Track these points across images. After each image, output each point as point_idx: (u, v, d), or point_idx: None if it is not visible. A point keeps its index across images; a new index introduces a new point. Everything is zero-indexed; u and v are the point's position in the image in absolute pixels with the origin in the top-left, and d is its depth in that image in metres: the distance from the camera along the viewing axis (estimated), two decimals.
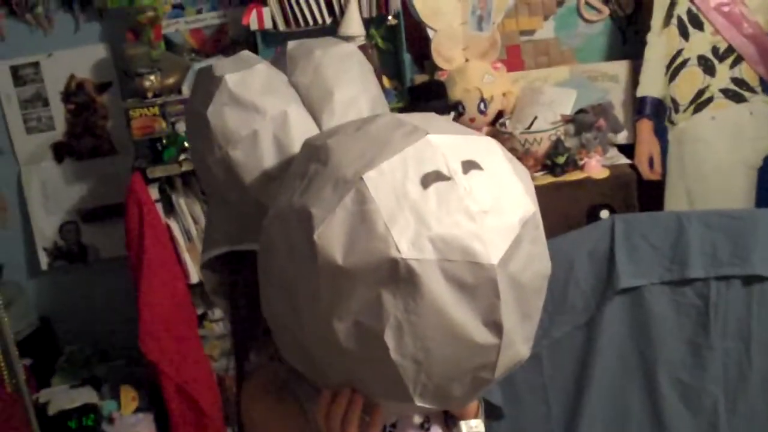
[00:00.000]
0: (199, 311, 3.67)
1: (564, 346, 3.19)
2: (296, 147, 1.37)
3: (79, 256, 3.97)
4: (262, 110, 1.39)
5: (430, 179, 1.18)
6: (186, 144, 3.39)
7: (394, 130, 1.24)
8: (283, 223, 1.23)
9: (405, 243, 1.14)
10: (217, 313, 3.68)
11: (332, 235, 1.16)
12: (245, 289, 1.47)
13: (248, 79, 1.43)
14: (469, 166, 1.21)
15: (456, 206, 1.17)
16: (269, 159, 1.39)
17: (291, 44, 1.53)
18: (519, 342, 1.26)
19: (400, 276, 1.14)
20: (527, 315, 1.27)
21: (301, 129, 1.40)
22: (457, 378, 1.25)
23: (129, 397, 3.63)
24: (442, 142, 1.21)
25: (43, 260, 3.96)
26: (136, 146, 3.66)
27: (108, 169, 3.88)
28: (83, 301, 3.99)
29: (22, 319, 3.79)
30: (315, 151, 1.26)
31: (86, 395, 3.67)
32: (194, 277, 3.56)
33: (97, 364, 3.89)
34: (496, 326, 1.20)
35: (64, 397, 3.67)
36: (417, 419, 1.58)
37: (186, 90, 3.53)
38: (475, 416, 1.63)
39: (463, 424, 1.60)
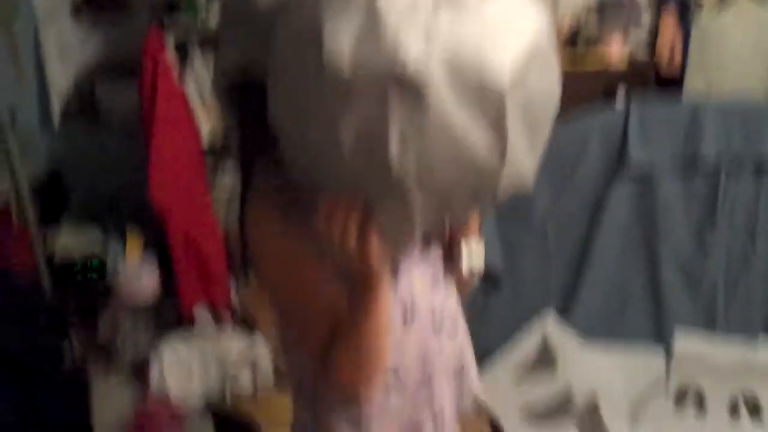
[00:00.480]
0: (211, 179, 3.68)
1: (571, 220, 3.21)
2: None
3: (93, 112, 3.92)
4: None
5: None
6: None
7: None
8: (291, 26, 1.22)
9: (413, 54, 1.12)
10: (227, 178, 3.69)
11: (341, 39, 1.15)
12: (258, 98, 1.41)
13: None
14: None
15: (469, 15, 1.17)
16: None
17: None
18: (524, 163, 1.26)
19: (406, 83, 1.13)
20: (533, 133, 1.26)
21: None
22: (457, 193, 1.25)
23: (134, 243, 3.62)
24: None
25: (56, 115, 3.93)
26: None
27: (126, 24, 3.81)
28: (94, 157, 3.95)
29: (33, 168, 3.78)
30: None
31: (92, 240, 3.69)
32: (206, 140, 3.57)
33: (105, 212, 3.84)
34: (500, 144, 1.19)
35: (71, 239, 3.68)
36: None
37: None
38: (476, 233, 1.65)
39: (463, 246, 1.62)
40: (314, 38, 1.16)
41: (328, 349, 1.43)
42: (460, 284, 1.70)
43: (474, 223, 1.61)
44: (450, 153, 1.18)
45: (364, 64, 1.13)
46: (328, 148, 1.20)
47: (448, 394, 1.70)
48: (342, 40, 1.14)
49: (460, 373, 1.73)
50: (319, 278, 1.44)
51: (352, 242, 1.27)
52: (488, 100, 1.16)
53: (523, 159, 1.24)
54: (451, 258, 1.65)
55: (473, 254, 1.61)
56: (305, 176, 1.32)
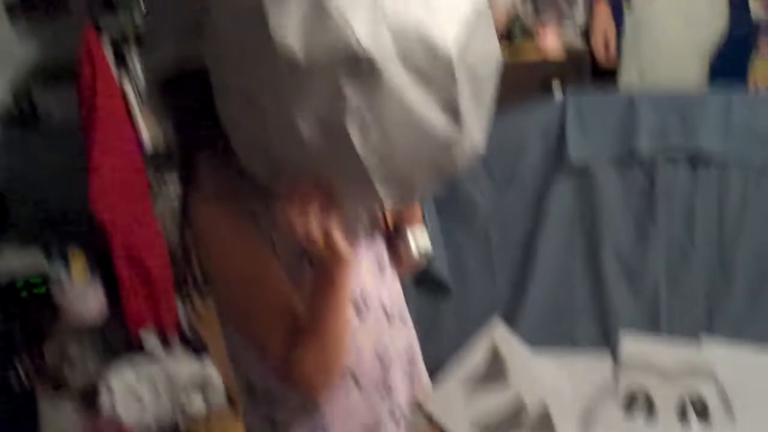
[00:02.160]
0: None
1: (513, 221, 3.24)
2: None
3: (32, 119, 3.90)
4: None
5: None
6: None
7: None
8: (234, 24, 1.22)
9: (364, 33, 1.15)
10: (170, 180, 3.67)
11: (289, 30, 1.16)
12: (195, 90, 1.43)
13: None
14: None
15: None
16: None
17: None
18: (476, 132, 1.31)
19: (360, 66, 1.16)
20: (482, 103, 1.31)
21: None
22: (418, 167, 1.29)
23: (77, 261, 3.62)
24: None
25: None
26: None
27: (62, 27, 3.78)
28: (36, 169, 3.94)
29: None
30: None
31: (35, 258, 3.66)
32: (148, 144, 3.54)
33: (48, 229, 3.85)
34: (454, 113, 1.24)
35: (13, 260, 3.66)
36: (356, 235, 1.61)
37: None
38: (420, 222, 1.68)
39: (408, 231, 1.65)
40: (259, 26, 1.18)
41: (288, 349, 1.44)
42: (405, 269, 1.75)
43: (417, 209, 1.66)
44: (409, 128, 1.23)
45: (315, 48, 1.16)
46: (287, 137, 1.23)
47: (404, 387, 1.74)
48: (289, 25, 1.16)
49: (411, 363, 1.77)
50: (275, 274, 1.47)
51: (315, 229, 1.30)
52: (438, 70, 1.21)
53: (475, 126, 1.31)
54: (394, 244, 1.70)
55: (419, 238, 1.68)
56: (261, 167, 1.34)
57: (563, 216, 3.20)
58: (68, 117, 3.75)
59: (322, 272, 1.40)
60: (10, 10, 3.78)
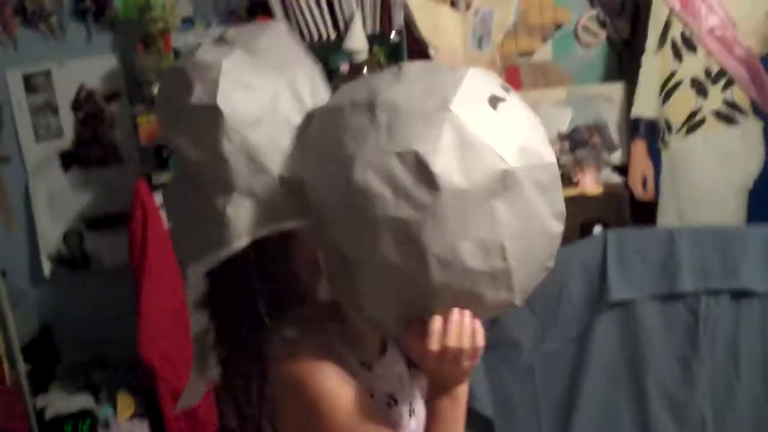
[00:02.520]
0: None
1: (556, 358, 3.26)
2: (298, 117, 1.44)
3: (82, 263, 4.02)
4: (266, 88, 1.43)
5: (493, 101, 1.34)
6: None
7: (436, 69, 1.40)
8: (383, 172, 1.29)
9: (508, 155, 1.29)
10: None
11: (447, 163, 1.27)
12: (276, 270, 1.50)
13: (239, 61, 1.45)
14: (506, 88, 1.39)
15: (519, 120, 1.35)
16: (284, 134, 1.43)
17: (230, 32, 1.54)
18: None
19: (507, 185, 1.29)
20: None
21: (295, 101, 1.46)
22: (536, 272, 1.40)
23: (126, 403, 3.66)
24: (480, 71, 1.39)
25: (47, 267, 4.01)
26: (141, 154, 3.74)
27: (114, 178, 3.93)
28: (84, 309, 4.03)
29: (23, 325, 3.81)
30: (369, 105, 1.34)
31: (83, 401, 3.71)
32: None
33: (96, 372, 3.92)
34: (561, 216, 1.39)
35: (61, 402, 3.71)
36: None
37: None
38: None
39: None
40: (413, 164, 1.28)
41: None
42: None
43: None
44: (538, 232, 1.35)
45: (472, 174, 1.28)
46: (447, 265, 1.31)
47: None
48: (444, 157, 1.28)
49: None
50: (382, 415, 1.52)
51: (467, 343, 1.37)
52: (550, 177, 1.35)
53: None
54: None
55: None
56: (399, 308, 1.39)
57: (607, 352, 3.22)
58: (117, 262, 3.88)
59: (442, 391, 1.46)
60: (64, 159, 3.93)
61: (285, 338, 1.51)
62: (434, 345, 1.36)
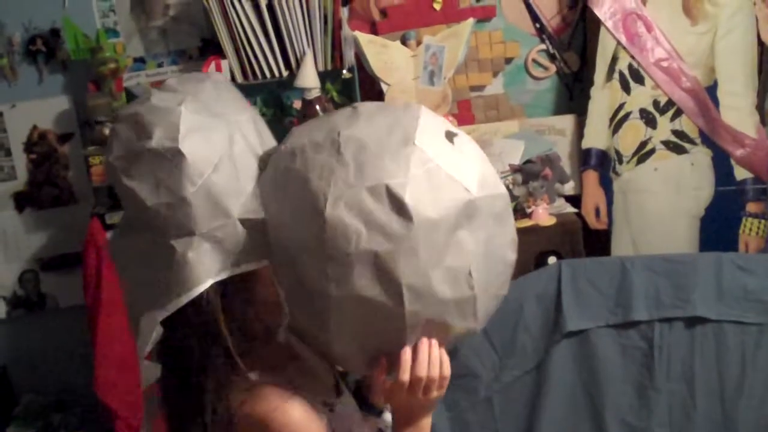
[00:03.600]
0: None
1: (514, 390, 3.27)
2: (259, 154, 1.50)
3: (38, 304, 4.00)
4: (223, 131, 1.46)
5: (450, 135, 1.43)
6: None
7: (390, 108, 1.47)
8: (353, 208, 1.33)
9: (472, 185, 1.36)
10: None
11: (418, 196, 1.33)
12: (240, 310, 1.51)
13: (197, 104, 1.48)
14: (452, 126, 1.49)
15: (476, 154, 1.45)
16: (246, 175, 1.46)
17: (171, 80, 1.57)
18: None
19: (472, 214, 1.36)
20: None
21: (253, 141, 1.51)
22: (496, 297, 1.48)
23: None
24: (428, 111, 1.47)
25: (2, 308, 3.98)
26: (95, 193, 3.71)
27: (68, 218, 3.92)
28: (41, 350, 4.01)
29: None
30: (331, 144, 1.39)
31: None
32: None
33: (54, 413, 3.89)
34: (515, 245, 1.49)
35: None
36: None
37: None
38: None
39: (387, 413, 1.71)
40: (385, 198, 1.33)
41: None
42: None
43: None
44: (496, 261, 1.43)
45: (441, 205, 1.34)
46: (422, 294, 1.36)
47: None
48: (416, 190, 1.33)
49: None
50: None
51: (435, 372, 1.43)
52: (505, 208, 1.45)
53: None
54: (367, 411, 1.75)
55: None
56: (368, 345, 1.43)
57: (564, 382, 3.23)
58: (74, 302, 3.87)
59: (408, 423, 1.51)
60: (18, 200, 3.90)
61: (247, 380, 1.52)
62: (405, 376, 1.40)
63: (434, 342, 1.41)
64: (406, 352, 1.40)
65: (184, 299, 1.45)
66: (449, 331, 1.42)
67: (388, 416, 1.71)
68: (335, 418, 1.57)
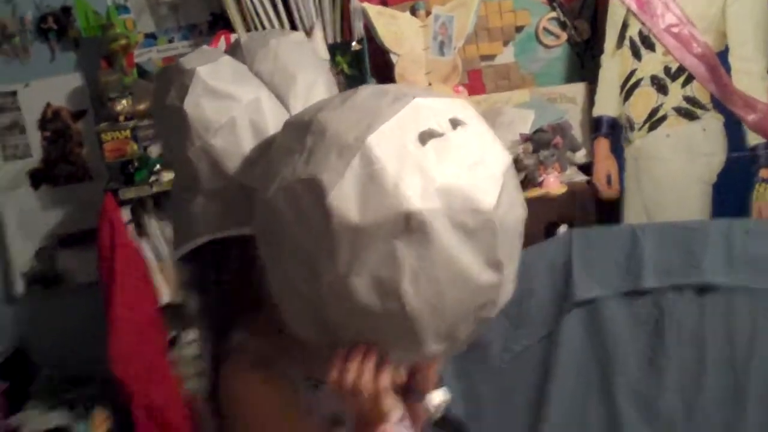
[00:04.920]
0: (171, 334, 3.74)
1: (525, 358, 3.27)
2: (271, 129, 1.48)
3: (55, 281, 4.04)
4: (237, 98, 1.49)
5: (426, 137, 1.30)
6: (157, 166, 3.51)
7: (381, 98, 1.36)
8: (289, 195, 1.31)
9: (415, 196, 1.25)
10: (190, 335, 3.74)
11: (345, 197, 1.25)
12: (228, 275, 1.55)
13: (218, 69, 1.52)
14: (455, 123, 1.33)
15: (452, 159, 1.30)
16: (248, 143, 1.48)
17: (243, 37, 1.64)
18: (510, 281, 1.41)
19: (412, 227, 1.25)
20: (513, 256, 1.40)
21: (273, 112, 1.50)
22: (464, 318, 1.36)
23: (101, 418, 3.67)
24: (429, 103, 1.34)
25: (19, 286, 4.03)
26: (108, 170, 3.75)
27: (83, 194, 3.96)
28: (59, 326, 4.05)
29: None
30: (306, 126, 1.35)
31: (59, 418, 3.71)
32: (165, 298, 3.63)
33: (71, 389, 3.93)
34: (496, 265, 1.32)
35: (37, 421, 3.71)
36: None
37: None
38: (437, 387, 1.72)
39: (429, 396, 1.69)
40: (317, 195, 1.27)
41: None
42: (420, 422, 1.78)
43: (433, 366, 1.69)
44: (457, 282, 1.30)
45: (370, 211, 1.25)
46: (342, 300, 1.30)
47: None
48: (345, 192, 1.26)
49: None
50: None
51: (367, 388, 1.36)
52: (481, 226, 1.29)
53: (510, 276, 1.39)
54: (409, 398, 1.71)
55: (435, 396, 1.69)
56: (313, 332, 1.40)
57: (575, 350, 3.23)
58: (89, 278, 3.89)
59: (361, 427, 1.45)
60: (33, 178, 3.95)
61: (233, 343, 1.55)
62: (332, 376, 1.37)
63: (372, 352, 1.36)
64: (339, 353, 1.37)
65: (185, 249, 1.53)
66: (387, 343, 1.36)
67: (430, 399, 1.71)
68: (319, 395, 1.56)
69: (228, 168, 1.47)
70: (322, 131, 1.32)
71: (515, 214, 1.38)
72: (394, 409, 1.46)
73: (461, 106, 1.39)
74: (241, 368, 1.54)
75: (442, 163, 1.28)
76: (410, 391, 1.71)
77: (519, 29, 3.93)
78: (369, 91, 1.39)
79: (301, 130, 1.36)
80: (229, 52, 1.61)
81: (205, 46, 1.66)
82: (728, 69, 3.59)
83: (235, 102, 1.48)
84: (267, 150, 1.44)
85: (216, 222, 1.50)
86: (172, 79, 1.52)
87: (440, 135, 1.30)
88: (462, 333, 1.37)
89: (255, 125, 1.48)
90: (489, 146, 1.36)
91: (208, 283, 1.60)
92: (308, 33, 3.63)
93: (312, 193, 1.27)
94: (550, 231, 3.48)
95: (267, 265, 1.39)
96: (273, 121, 1.48)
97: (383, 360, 1.37)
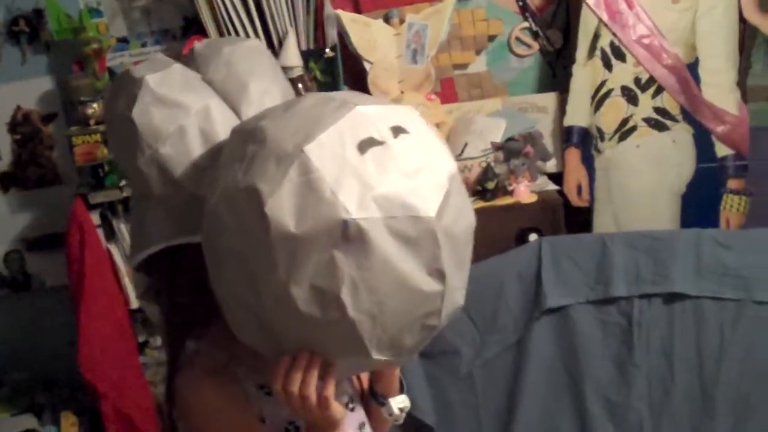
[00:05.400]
0: (141, 339, 3.73)
1: (495, 365, 3.29)
2: (221, 137, 1.47)
3: (24, 285, 4.02)
4: (185, 106, 1.48)
5: (365, 145, 1.29)
6: None
7: (324, 105, 1.35)
8: (230, 203, 1.31)
9: (352, 205, 1.24)
10: (159, 340, 3.73)
11: (282, 206, 1.25)
12: (181, 283, 1.55)
13: (167, 78, 1.52)
14: (397, 130, 1.33)
15: (392, 167, 1.29)
16: (197, 151, 1.48)
17: (199, 44, 1.64)
18: (457, 289, 1.39)
19: (350, 236, 1.24)
20: (461, 264, 1.39)
21: (223, 120, 1.50)
22: (408, 327, 1.35)
23: (69, 422, 3.65)
24: (371, 111, 1.34)
25: None
26: (78, 173, 3.72)
27: (53, 198, 3.93)
28: (27, 330, 4.03)
29: None
30: (249, 134, 1.35)
31: (27, 422, 3.69)
32: (135, 302, 3.60)
33: (40, 392, 3.91)
34: (439, 274, 1.32)
35: (4, 424, 3.70)
36: (344, 398, 1.67)
37: None
38: (398, 392, 1.72)
39: (391, 401, 1.69)
40: (255, 203, 1.26)
41: None
42: (384, 427, 1.79)
43: (395, 371, 1.70)
44: (398, 291, 1.29)
45: (306, 220, 1.25)
46: (282, 307, 1.29)
47: None
48: (282, 200, 1.25)
49: None
50: None
51: (312, 394, 1.35)
52: (422, 234, 1.28)
53: (456, 284, 1.38)
54: (371, 404, 1.74)
55: (398, 402, 1.71)
56: (257, 339, 1.40)
57: (545, 358, 3.25)
58: (59, 282, 3.87)
59: None
60: (3, 181, 3.92)
61: (188, 351, 1.55)
62: (276, 384, 1.37)
63: (316, 360, 1.35)
64: (282, 361, 1.37)
65: (139, 256, 1.54)
66: (331, 352, 1.35)
67: (392, 404, 1.71)
68: (271, 402, 1.56)
69: (178, 176, 1.47)
70: (263, 140, 1.31)
71: (463, 221, 1.38)
72: (344, 416, 1.45)
73: (406, 114, 1.38)
74: (194, 376, 1.55)
75: (381, 171, 1.28)
76: (372, 396, 1.73)
77: (492, 38, 3.95)
78: (313, 99, 1.39)
79: (245, 138, 1.36)
80: (185, 60, 1.61)
81: (159, 54, 1.64)
82: (698, 81, 3.63)
83: (184, 110, 1.48)
84: (216, 158, 1.43)
85: (167, 230, 1.51)
86: (123, 88, 1.52)
87: (380, 143, 1.30)
88: (408, 341, 1.37)
89: (204, 133, 1.48)
90: (433, 153, 1.36)
91: (162, 291, 1.61)
92: (282, 39, 3.64)
93: (251, 202, 1.27)
94: (520, 239, 3.50)
95: (211, 273, 1.40)
96: (223, 129, 1.48)
97: (328, 367, 1.37)
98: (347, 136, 1.29)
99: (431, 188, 1.31)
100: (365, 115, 1.32)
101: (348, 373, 1.58)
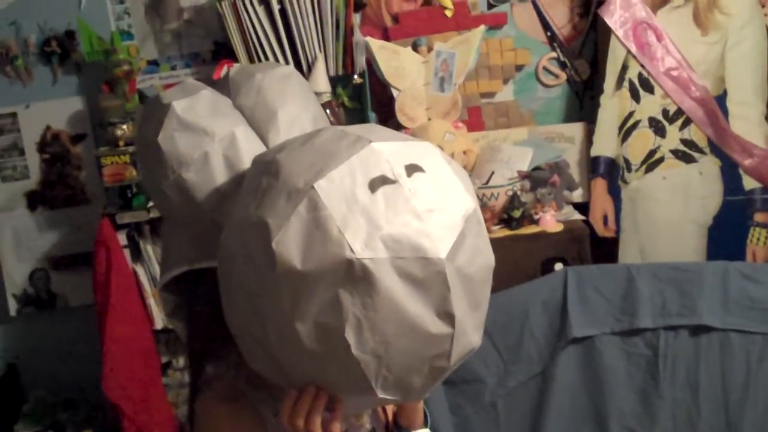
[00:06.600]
0: (164, 359, 3.73)
1: (519, 395, 3.28)
2: (246, 165, 1.46)
3: (48, 303, 4.03)
4: (210, 132, 1.48)
5: (377, 183, 1.27)
6: None
7: (339, 141, 1.32)
8: (240, 235, 1.31)
9: (359, 244, 1.22)
10: (181, 361, 3.74)
11: (289, 242, 1.24)
12: (202, 307, 1.56)
13: (195, 104, 1.52)
14: (412, 169, 1.30)
15: (403, 207, 1.26)
16: (221, 178, 1.48)
17: (233, 69, 1.64)
18: (471, 330, 1.36)
19: (355, 275, 1.22)
20: (476, 305, 1.36)
21: (249, 148, 1.50)
22: (415, 368, 1.32)
23: None
24: (385, 148, 1.30)
25: (12, 306, 4.01)
26: (106, 193, 3.76)
27: (80, 218, 3.96)
28: (50, 349, 4.04)
29: None
30: (266, 166, 1.34)
31: None
32: (159, 323, 3.62)
33: (62, 411, 3.92)
34: (448, 316, 1.28)
35: None
36: (366, 427, 1.66)
37: None
38: (422, 426, 1.71)
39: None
40: (263, 239, 1.25)
41: None
42: None
43: (419, 405, 1.68)
44: (404, 332, 1.27)
45: (312, 258, 1.23)
46: (287, 342, 1.28)
47: None
48: (289, 238, 1.24)
49: None
50: None
51: (318, 429, 1.35)
52: (430, 276, 1.25)
53: (469, 326, 1.34)
54: None
55: None
56: (267, 370, 1.39)
57: (569, 388, 3.24)
58: (83, 301, 3.91)
59: None
60: (30, 200, 3.95)
61: (207, 375, 1.57)
62: (284, 417, 1.37)
63: (322, 396, 1.35)
64: (290, 394, 1.37)
65: (163, 279, 1.55)
66: (337, 388, 1.34)
67: None
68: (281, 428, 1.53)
69: (200, 201, 1.48)
70: (277, 173, 1.31)
71: (480, 261, 1.35)
72: None
73: (423, 151, 1.35)
74: (211, 400, 1.56)
75: (390, 210, 1.26)
76: (396, 429, 1.71)
77: (519, 68, 3.97)
78: (331, 132, 1.37)
79: (262, 170, 1.35)
80: (219, 84, 1.62)
81: (190, 79, 1.66)
82: (726, 113, 3.63)
83: (209, 137, 1.48)
84: (239, 184, 1.43)
85: (189, 254, 1.52)
86: (151, 113, 1.52)
87: (392, 182, 1.28)
88: (416, 382, 1.35)
89: (229, 160, 1.48)
90: (449, 192, 1.33)
91: (185, 313, 1.62)
92: (311, 65, 3.66)
93: (259, 236, 1.26)
94: (546, 268, 3.49)
95: (223, 301, 1.39)
96: (249, 156, 1.47)
97: (335, 403, 1.37)
98: (359, 174, 1.27)
99: (443, 229, 1.28)
100: (379, 152, 1.30)
101: (357, 409, 1.54)
